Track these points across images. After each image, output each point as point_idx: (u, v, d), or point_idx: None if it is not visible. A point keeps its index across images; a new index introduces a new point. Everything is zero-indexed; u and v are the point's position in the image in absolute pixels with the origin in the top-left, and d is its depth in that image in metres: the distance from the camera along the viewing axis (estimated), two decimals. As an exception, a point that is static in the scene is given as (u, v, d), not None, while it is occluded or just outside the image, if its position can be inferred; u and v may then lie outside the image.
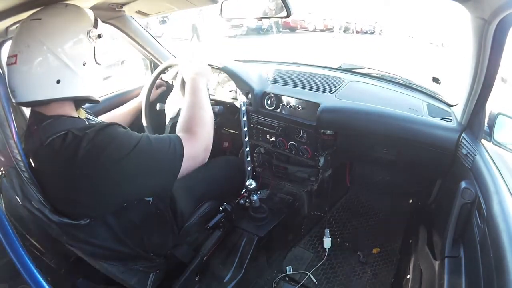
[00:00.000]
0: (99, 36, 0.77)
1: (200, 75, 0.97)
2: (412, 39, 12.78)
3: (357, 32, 14.60)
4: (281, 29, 13.89)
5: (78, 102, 0.77)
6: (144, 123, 1.28)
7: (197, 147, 0.76)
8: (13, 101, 0.69)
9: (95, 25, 0.76)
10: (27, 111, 1.08)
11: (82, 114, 0.80)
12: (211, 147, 0.81)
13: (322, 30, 14.62)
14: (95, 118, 0.88)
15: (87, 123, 0.74)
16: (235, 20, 10.50)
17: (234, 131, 1.61)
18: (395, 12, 14.20)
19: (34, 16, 0.70)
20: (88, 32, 0.74)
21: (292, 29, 14.43)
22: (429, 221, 1.21)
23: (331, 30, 14.21)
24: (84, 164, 0.64)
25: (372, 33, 14.75)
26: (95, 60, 0.77)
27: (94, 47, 0.76)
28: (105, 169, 0.65)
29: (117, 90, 1.55)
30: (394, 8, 14.52)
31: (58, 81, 0.69)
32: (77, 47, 0.72)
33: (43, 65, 0.68)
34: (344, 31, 14.10)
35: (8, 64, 0.68)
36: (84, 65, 0.73)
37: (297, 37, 12.54)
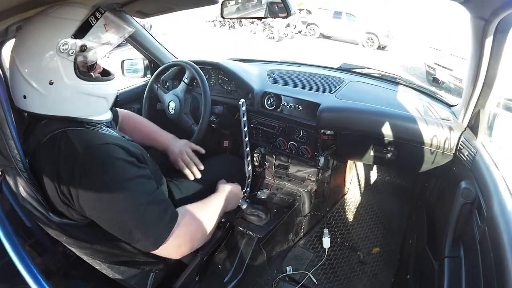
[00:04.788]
0: (82, 49, 0.67)
1: (233, 200, 1.01)
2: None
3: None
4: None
5: None
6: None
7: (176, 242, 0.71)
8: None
9: (79, 35, 0.67)
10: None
11: None
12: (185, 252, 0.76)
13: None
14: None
15: (86, 124, 0.72)
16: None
17: (234, 131, 1.61)
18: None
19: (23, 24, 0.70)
20: (58, 47, 0.65)
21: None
22: (429, 221, 1.21)
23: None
24: (78, 165, 0.64)
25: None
26: (78, 76, 0.69)
27: (74, 62, 0.67)
28: (97, 185, 0.64)
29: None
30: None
31: (24, 97, 0.68)
32: (42, 65, 0.65)
33: (13, 77, 0.68)
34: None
35: None
36: (51, 84, 0.66)
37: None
